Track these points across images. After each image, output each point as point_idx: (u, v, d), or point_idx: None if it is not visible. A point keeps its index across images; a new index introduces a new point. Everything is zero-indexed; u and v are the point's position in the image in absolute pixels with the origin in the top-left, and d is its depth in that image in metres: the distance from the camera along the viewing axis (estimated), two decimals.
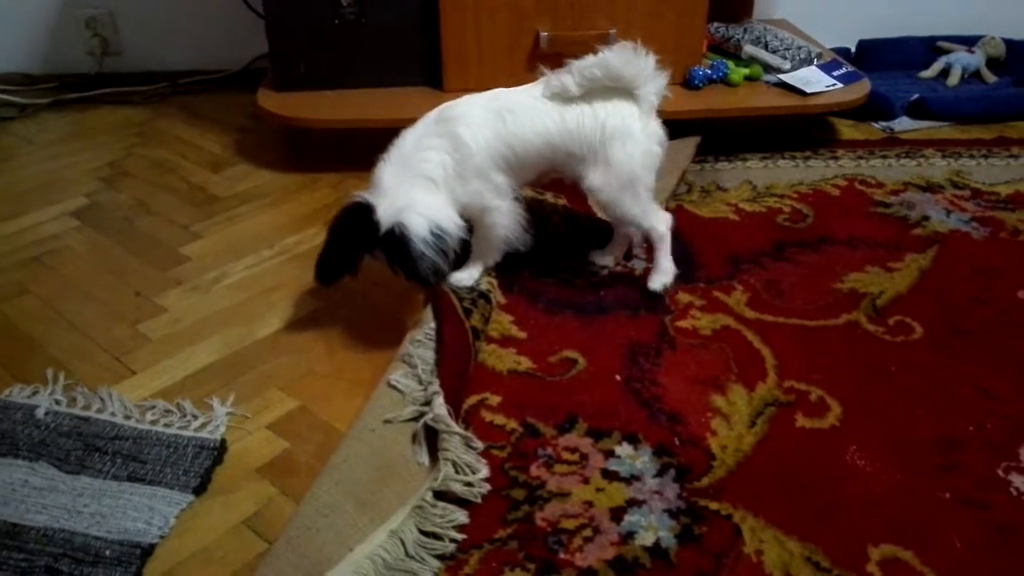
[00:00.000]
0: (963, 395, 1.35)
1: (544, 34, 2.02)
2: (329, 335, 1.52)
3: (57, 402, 1.35)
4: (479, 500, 1.16)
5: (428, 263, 1.40)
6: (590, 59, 1.45)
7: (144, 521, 1.14)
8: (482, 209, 1.50)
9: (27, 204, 1.97)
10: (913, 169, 2.06)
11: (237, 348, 1.48)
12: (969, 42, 2.61)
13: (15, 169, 2.15)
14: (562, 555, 1.09)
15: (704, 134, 2.08)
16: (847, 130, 2.27)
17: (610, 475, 1.21)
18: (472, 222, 1.51)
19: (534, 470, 1.22)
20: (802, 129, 2.23)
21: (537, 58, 2.02)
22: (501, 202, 1.51)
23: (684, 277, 1.61)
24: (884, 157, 2.12)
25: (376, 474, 1.18)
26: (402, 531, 1.11)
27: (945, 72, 2.54)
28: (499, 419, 1.31)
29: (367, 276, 1.63)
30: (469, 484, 1.17)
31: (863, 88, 2.15)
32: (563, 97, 1.48)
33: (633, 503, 1.16)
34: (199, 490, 1.20)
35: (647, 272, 1.62)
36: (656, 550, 1.09)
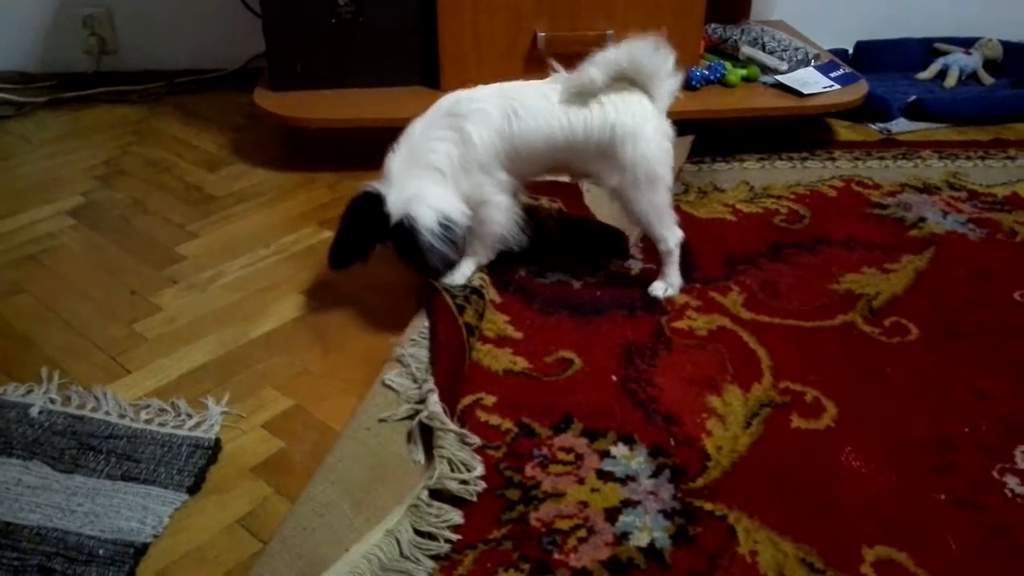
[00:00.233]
0: (958, 396, 1.35)
1: (542, 34, 2.02)
2: (324, 335, 1.51)
3: (52, 401, 1.35)
4: (474, 498, 1.16)
5: (438, 255, 1.43)
6: (614, 50, 1.44)
7: (138, 520, 1.14)
8: (481, 202, 1.51)
9: (23, 202, 1.96)
10: (910, 170, 2.06)
11: (232, 347, 1.48)
12: (966, 44, 2.61)
13: (11, 168, 2.14)
14: (556, 555, 1.09)
15: (701, 135, 2.08)
16: (844, 131, 2.28)
17: (605, 475, 1.21)
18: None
19: (529, 470, 1.22)
20: (799, 130, 2.23)
21: (535, 58, 2.02)
22: (501, 197, 1.52)
23: (682, 280, 1.61)
24: (881, 158, 2.12)
25: (371, 473, 1.18)
26: (398, 530, 1.10)
27: (942, 74, 2.55)
28: (494, 419, 1.31)
29: (361, 277, 1.64)
30: (464, 482, 1.17)
31: (860, 89, 2.16)
32: (587, 94, 1.46)
33: (628, 504, 1.16)
34: (193, 489, 1.20)
35: (643, 272, 1.62)
36: (651, 551, 1.09)
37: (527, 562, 1.08)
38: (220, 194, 2.00)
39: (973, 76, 2.55)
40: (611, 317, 1.53)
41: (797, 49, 2.23)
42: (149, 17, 2.57)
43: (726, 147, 2.15)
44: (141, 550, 1.10)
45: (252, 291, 1.64)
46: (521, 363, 1.42)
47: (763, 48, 2.22)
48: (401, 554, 1.08)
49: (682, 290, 1.59)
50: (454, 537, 1.11)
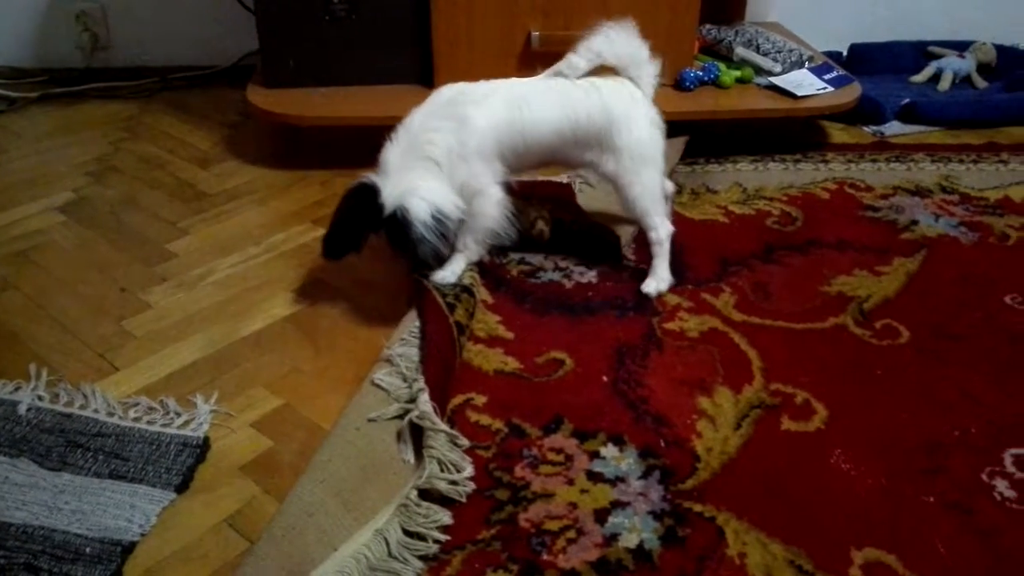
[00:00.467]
0: (948, 399, 1.35)
1: (536, 33, 2.01)
2: (314, 333, 1.51)
3: (40, 398, 1.34)
4: (463, 499, 1.16)
5: (429, 247, 1.44)
6: (594, 37, 1.51)
7: (125, 519, 1.13)
8: (475, 193, 1.52)
9: (13, 198, 1.95)
10: (903, 173, 2.07)
11: (222, 346, 1.48)
12: (960, 47, 2.62)
13: (2, 163, 2.13)
14: (545, 556, 1.09)
15: (695, 136, 2.08)
16: (837, 133, 2.28)
17: (595, 476, 1.21)
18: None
19: (519, 471, 1.21)
20: (792, 132, 2.23)
21: (528, 57, 2.02)
22: (495, 189, 1.54)
23: (673, 278, 1.61)
24: (874, 161, 2.13)
25: (360, 473, 1.18)
26: (386, 530, 1.10)
27: (936, 77, 2.55)
28: (484, 419, 1.30)
29: (353, 276, 1.64)
30: (454, 482, 1.17)
31: (854, 92, 2.16)
32: (569, 75, 1.54)
33: (617, 505, 1.16)
34: (181, 488, 1.19)
35: (635, 273, 1.62)
36: (639, 552, 1.09)
37: (516, 563, 1.08)
38: (212, 191, 1.99)
39: (967, 79, 2.55)
40: (602, 318, 1.53)
41: (791, 51, 2.23)
42: (142, 13, 2.57)
43: (719, 148, 2.15)
44: (128, 549, 1.10)
45: (242, 289, 1.63)
46: (512, 363, 1.42)
47: (757, 49, 2.22)
48: (389, 554, 1.08)
49: (673, 288, 1.59)
50: (443, 537, 1.10)
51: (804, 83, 2.14)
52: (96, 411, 1.32)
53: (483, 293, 1.57)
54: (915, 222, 1.84)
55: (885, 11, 2.69)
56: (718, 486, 1.19)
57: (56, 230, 1.83)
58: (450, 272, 1.53)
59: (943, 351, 1.46)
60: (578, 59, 1.53)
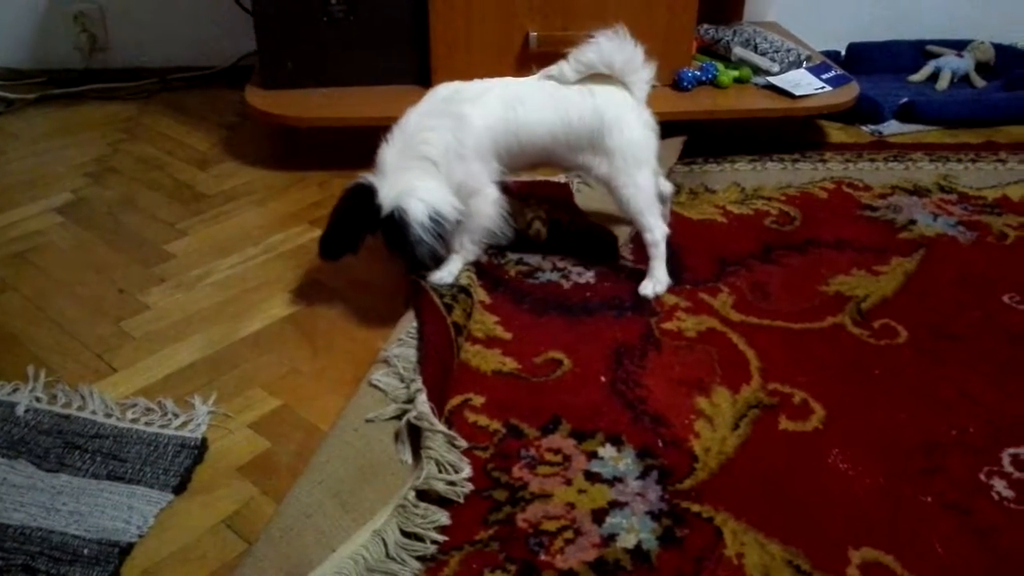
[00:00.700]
0: (946, 399, 1.35)
1: (533, 34, 2.01)
2: (312, 335, 1.51)
3: (37, 399, 1.34)
4: (461, 500, 1.16)
5: (426, 248, 1.44)
6: (585, 46, 1.51)
7: (123, 520, 1.13)
8: (472, 192, 1.52)
9: (11, 200, 1.95)
10: (901, 173, 2.06)
11: (220, 347, 1.48)
12: (959, 46, 2.62)
13: (0, 164, 2.13)
14: (543, 557, 1.09)
15: (692, 136, 2.08)
16: (835, 133, 2.28)
17: (593, 477, 1.21)
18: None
19: (517, 471, 1.21)
20: (791, 131, 2.23)
21: (526, 57, 2.02)
22: (491, 189, 1.54)
23: (670, 278, 1.61)
24: (872, 160, 2.13)
25: (358, 474, 1.18)
26: (384, 531, 1.10)
27: (934, 76, 2.55)
28: (482, 420, 1.30)
29: (350, 277, 1.64)
30: (452, 483, 1.17)
31: (852, 91, 2.16)
32: (560, 80, 1.54)
33: (615, 505, 1.16)
34: (179, 489, 1.19)
35: (633, 273, 1.62)
36: (637, 552, 1.09)
37: (513, 563, 1.08)
38: (210, 192, 1.99)
39: (965, 79, 2.55)
40: (600, 318, 1.53)
41: (789, 50, 2.23)
42: (140, 14, 2.56)
43: (717, 148, 2.15)
44: (126, 550, 1.10)
45: (241, 290, 1.63)
46: (510, 364, 1.42)
47: (755, 49, 2.22)
48: (387, 555, 1.08)
49: (671, 289, 1.59)
50: (440, 538, 1.11)
51: (802, 83, 2.14)
52: (94, 412, 1.32)
53: (481, 293, 1.58)
54: (913, 221, 1.84)
55: (883, 10, 2.69)
56: (716, 486, 1.19)
57: (54, 231, 1.83)
58: (447, 272, 1.54)
59: (941, 351, 1.46)
60: (569, 69, 1.53)
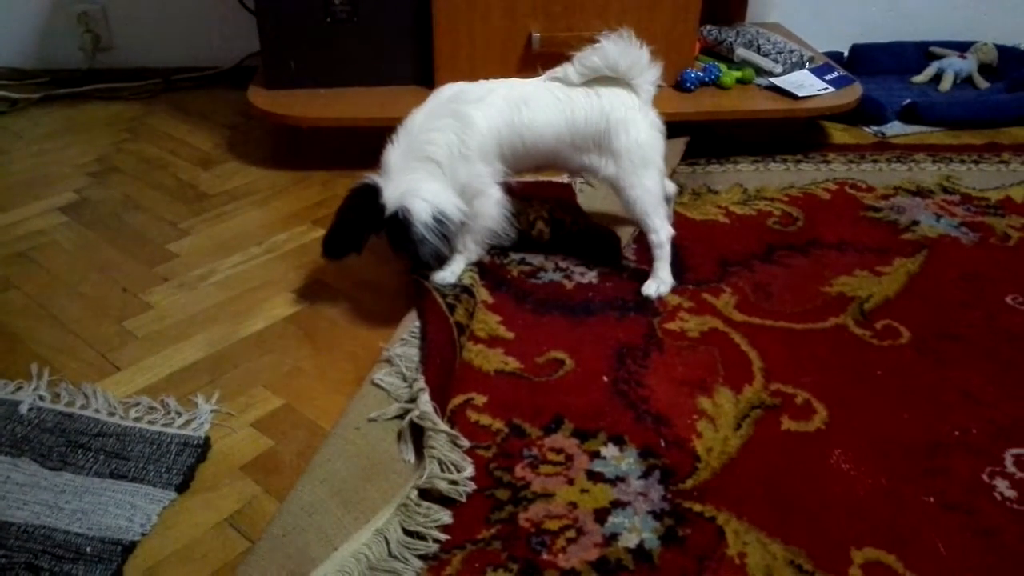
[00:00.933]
0: (949, 400, 1.35)
1: (536, 35, 2.01)
2: (315, 334, 1.51)
3: (41, 398, 1.34)
4: (463, 499, 1.16)
5: (429, 248, 1.44)
6: (589, 49, 1.51)
7: (126, 518, 1.14)
8: (476, 193, 1.52)
9: (15, 199, 1.96)
10: (904, 174, 2.06)
11: (223, 346, 1.48)
12: (962, 48, 2.62)
13: (4, 164, 2.14)
14: (545, 556, 1.09)
15: (695, 137, 2.08)
16: (838, 134, 2.28)
17: (595, 476, 1.21)
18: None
19: (519, 471, 1.21)
20: (793, 132, 2.23)
21: (529, 58, 2.02)
22: (495, 189, 1.54)
23: (673, 278, 1.61)
24: (875, 161, 2.13)
25: (360, 472, 1.18)
26: (387, 530, 1.10)
27: (937, 77, 2.55)
28: (485, 419, 1.30)
29: (353, 276, 1.64)
30: (454, 482, 1.17)
31: (854, 92, 2.16)
32: (565, 83, 1.54)
33: (617, 504, 1.16)
34: (182, 488, 1.19)
35: (636, 273, 1.62)
36: (639, 552, 1.09)
37: (516, 562, 1.08)
38: (213, 192, 2.00)
39: (968, 80, 2.55)
40: (603, 318, 1.53)
41: (792, 51, 2.23)
42: (144, 14, 2.57)
43: (720, 149, 2.15)
44: (129, 548, 1.10)
45: (243, 290, 1.63)
46: (512, 363, 1.42)
47: (758, 50, 2.22)
48: (390, 554, 1.08)
49: (674, 290, 1.59)
50: (443, 537, 1.11)
51: (805, 84, 2.14)
52: (97, 411, 1.32)
53: (483, 293, 1.58)
54: (916, 222, 1.84)
55: (886, 12, 2.69)
56: (718, 486, 1.19)
57: (58, 231, 1.83)
58: (450, 272, 1.54)
59: (944, 351, 1.46)
60: (573, 72, 1.53)
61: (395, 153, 1.50)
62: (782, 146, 2.18)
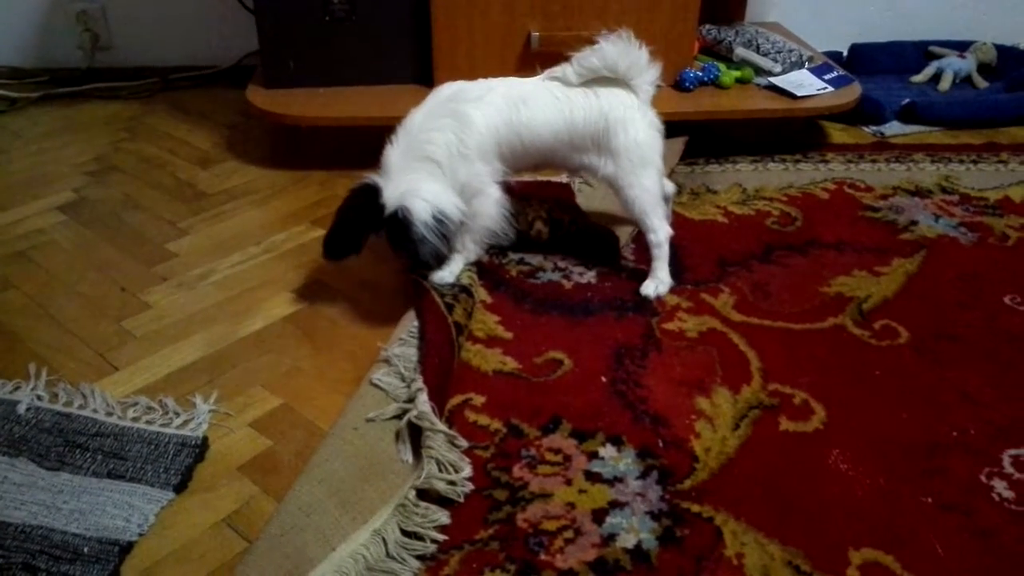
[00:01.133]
0: (947, 400, 1.35)
1: (535, 34, 2.01)
2: (314, 334, 1.51)
3: (39, 398, 1.34)
4: (461, 499, 1.16)
5: (429, 247, 1.44)
6: (588, 50, 1.51)
7: (123, 519, 1.14)
8: (475, 193, 1.52)
9: (13, 198, 1.96)
10: (902, 174, 2.06)
11: (221, 346, 1.48)
12: (961, 47, 2.61)
13: (2, 163, 2.14)
14: (543, 556, 1.09)
15: (694, 136, 2.08)
16: (837, 134, 2.28)
17: (593, 477, 1.21)
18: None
19: (517, 471, 1.21)
20: (792, 132, 2.23)
21: (528, 57, 2.02)
22: (494, 189, 1.54)
23: (672, 278, 1.61)
24: (874, 161, 2.12)
25: (359, 473, 1.18)
26: (384, 530, 1.10)
27: (936, 77, 2.55)
28: (483, 419, 1.30)
29: (352, 277, 1.64)
30: (452, 483, 1.17)
31: (854, 92, 2.16)
32: (564, 83, 1.54)
33: (615, 505, 1.16)
34: (179, 488, 1.19)
35: (634, 273, 1.62)
36: (637, 552, 1.09)
37: (513, 563, 1.08)
38: (212, 191, 1.99)
39: (967, 80, 2.55)
40: (601, 318, 1.53)
41: (791, 51, 2.23)
42: (143, 13, 2.57)
43: (719, 149, 2.15)
44: (126, 548, 1.10)
45: (242, 289, 1.63)
46: (511, 363, 1.42)
47: (757, 50, 2.22)
48: (387, 554, 1.08)
49: (672, 290, 1.59)
50: (440, 537, 1.11)
51: (804, 83, 2.14)
52: (95, 411, 1.32)
53: (482, 293, 1.58)
54: (915, 222, 1.84)
55: (886, 11, 2.69)
56: (716, 486, 1.19)
57: (56, 230, 1.83)
58: (448, 272, 1.54)
59: (942, 352, 1.46)
60: (572, 73, 1.53)
61: (395, 153, 1.50)
62: (781, 146, 2.18)
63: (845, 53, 2.63)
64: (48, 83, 2.54)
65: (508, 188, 1.58)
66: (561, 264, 1.68)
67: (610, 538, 1.11)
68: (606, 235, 1.72)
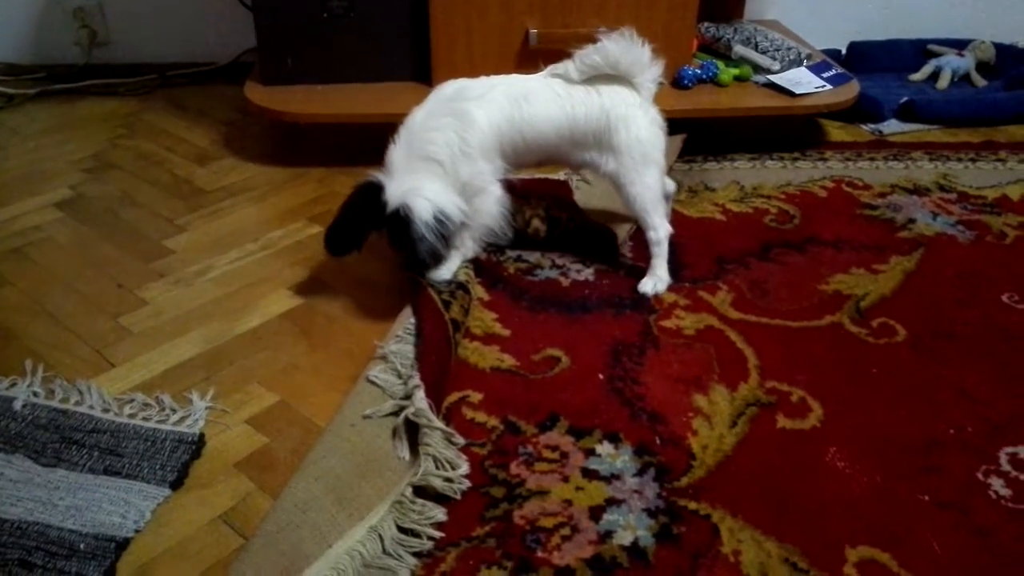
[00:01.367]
0: (944, 398, 1.35)
1: (533, 31, 2.01)
2: (311, 331, 1.51)
3: (35, 394, 1.34)
4: (458, 496, 1.16)
5: (427, 246, 1.45)
6: (590, 47, 1.50)
7: (119, 515, 1.13)
8: (477, 191, 1.52)
9: (10, 195, 1.95)
10: (901, 172, 2.06)
11: (218, 342, 1.48)
12: (960, 45, 2.61)
13: (0, 160, 2.13)
14: (540, 553, 1.09)
15: (693, 134, 2.07)
16: (836, 132, 2.28)
17: (590, 474, 1.20)
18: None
19: (514, 468, 1.21)
20: (791, 130, 2.23)
21: (527, 55, 2.02)
22: (495, 187, 1.55)
23: (670, 276, 1.61)
24: (872, 159, 2.12)
25: (355, 469, 1.18)
26: (381, 527, 1.10)
27: (935, 75, 2.55)
28: (480, 416, 1.30)
29: (348, 273, 1.64)
30: (449, 480, 1.17)
31: (852, 90, 2.15)
32: (566, 80, 1.54)
33: (612, 502, 1.16)
34: (176, 484, 1.19)
35: (632, 271, 1.62)
36: (634, 549, 1.09)
37: (510, 560, 1.08)
38: (209, 188, 1.99)
39: (966, 78, 2.55)
40: (599, 315, 1.53)
41: (790, 49, 2.22)
42: (140, 9, 2.56)
43: (717, 146, 2.15)
44: (122, 545, 1.10)
45: (239, 286, 1.63)
46: (508, 360, 1.42)
47: (756, 47, 2.21)
48: (384, 551, 1.08)
49: (670, 287, 1.59)
50: (437, 534, 1.10)
51: (802, 81, 2.14)
52: (92, 407, 1.32)
53: (480, 290, 1.57)
54: (913, 220, 1.84)
55: (884, 9, 2.68)
56: (713, 484, 1.19)
57: (53, 226, 1.83)
58: (446, 269, 1.53)
59: (940, 350, 1.46)
60: (574, 70, 1.53)
61: (397, 153, 1.50)
62: (779, 144, 2.18)
63: (843, 51, 2.63)
64: (45, 79, 2.53)
65: (509, 185, 1.57)
66: (559, 261, 1.68)
67: (607, 535, 1.11)
68: (604, 233, 1.72)
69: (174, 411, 1.31)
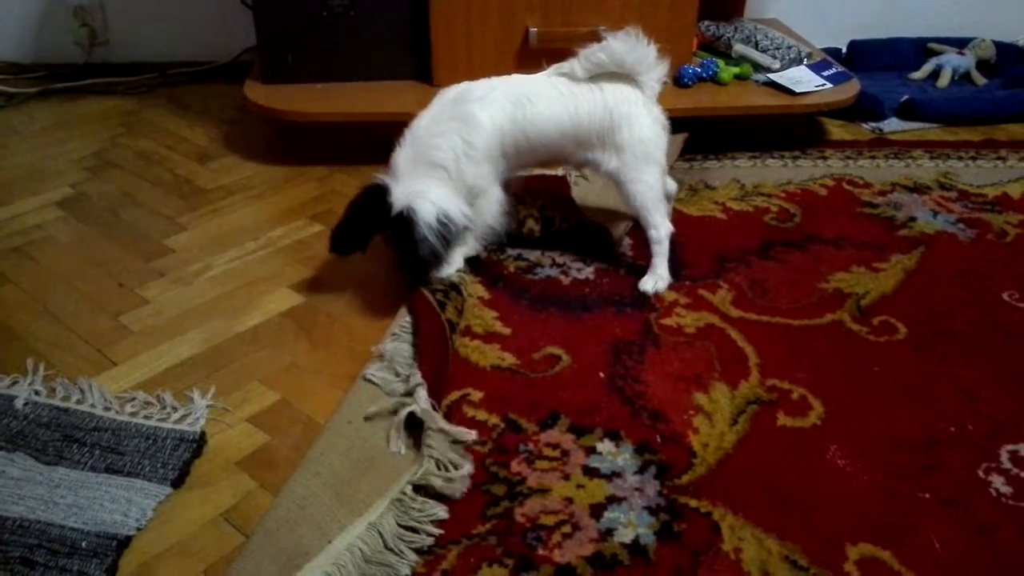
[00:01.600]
0: (945, 396, 1.35)
1: (533, 30, 2.01)
2: (311, 329, 1.51)
3: (37, 393, 1.34)
4: (458, 496, 1.16)
5: (428, 248, 1.45)
6: (595, 46, 1.50)
7: (121, 513, 1.13)
8: (479, 193, 1.53)
9: (11, 194, 1.95)
10: (901, 170, 2.06)
11: (219, 341, 1.48)
12: (960, 44, 2.62)
13: (0, 158, 2.13)
14: (540, 551, 1.09)
15: (693, 132, 2.07)
16: (836, 130, 2.28)
17: (591, 472, 1.21)
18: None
19: (515, 466, 1.21)
20: (791, 129, 2.23)
21: (527, 53, 2.02)
22: (496, 188, 1.55)
23: (670, 275, 1.61)
24: (872, 158, 2.12)
25: (355, 466, 1.18)
26: (380, 523, 1.10)
27: (935, 73, 2.55)
28: (481, 414, 1.30)
29: (349, 271, 1.64)
30: (449, 480, 1.17)
31: (852, 88, 2.15)
32: (570, 78, 1.54)
33: (613, 500, 1.16)
34: (177, 483, 1.19)
35: (633, 269, 1.62)
36: (635, 547, 1.09)
37: (511, 557, 1.08)
38: (210, 187, 1.99)
39: (966, 76, 2.55)
40: (600, 314, 1.53)
41: (790, 47, 2.22)
42: (140, 8, 2.56)
43: (718, 145, 2.15)
44: (124, 543, 1.10)
45: (240, 285, 1.63)
46: (509, 359, 1.42)
47: (756, 46, 2.21)
48: (384, 546, 1.08)
49: (671, 286, 1.59)
50: (437, 531, 1.11)
51: (803, 80, 2.14)
52: (93, 406, 1.32)
53: (480, 289, 1.58)
54: (913, 219, 1.84)
55: (884, 8, 2.69)
56: (714, 481, 1.19)
57: (54, 225, 1.83)
58: (448, 269, 1.54)
59: (940, 348, 1.46)
60: (579, 68, 1.53)
61: (403, 157, 1.51)
62: (779, 142, 2.18)
63: (844, 50, 2.63)
64: (46, 78, 2.53)
65: (505, 186, 1.58)
66: (559, 260, 1.68)
67: (608, 533, 1.11)
68: (598, 231, 1.72)
69: (175, 409, 1.31)
